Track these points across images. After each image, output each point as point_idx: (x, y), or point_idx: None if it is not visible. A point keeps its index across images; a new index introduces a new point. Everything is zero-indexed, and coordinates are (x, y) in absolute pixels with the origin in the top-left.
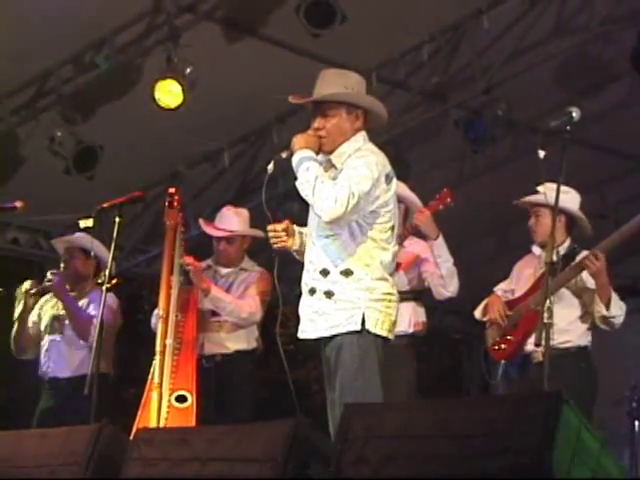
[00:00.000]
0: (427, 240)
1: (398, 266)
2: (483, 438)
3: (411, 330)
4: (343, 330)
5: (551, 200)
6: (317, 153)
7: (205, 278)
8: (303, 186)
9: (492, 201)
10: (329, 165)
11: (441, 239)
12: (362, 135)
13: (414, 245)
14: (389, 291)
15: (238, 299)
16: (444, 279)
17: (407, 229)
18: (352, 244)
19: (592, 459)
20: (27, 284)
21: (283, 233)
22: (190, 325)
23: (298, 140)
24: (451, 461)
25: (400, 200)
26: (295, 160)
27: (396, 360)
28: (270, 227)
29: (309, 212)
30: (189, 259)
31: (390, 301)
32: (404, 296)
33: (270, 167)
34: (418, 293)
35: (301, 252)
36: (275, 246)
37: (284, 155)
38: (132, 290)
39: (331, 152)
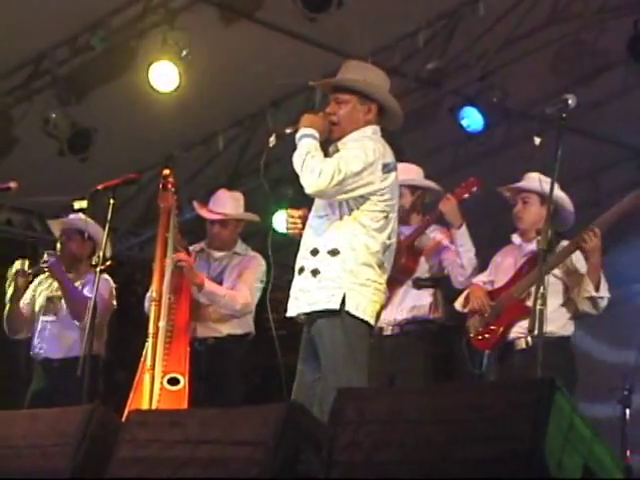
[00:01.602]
0: (450, 228)
1: (420, 253)
2: (475, 424)
3: (431, 317)
4: (320, 307)
5: (546, 188)
6: (322, 136)
7: (198, 274)
8: (295, 160)
9: (486, 188)
10: (335, 150)
11: (464, 228)
12: (372, 128)
13: (435, 233)
14: (375, 279)
15: (231, 289)
16: (464, 268)
17: (431, 216)
18: (341, 226)
19: (584, 446)
20: (17, 264)
21: (299, 220)
22: (183, 308)
23: (305, 119)
24: (443, 446)
25: (417, 188)
26: (297, 137)
27: (412, 345)
28: (289, 212)
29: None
30: (181, 255)
31: (376, 289)
32: (424, 283)
33: (272, 140)
34: (438, 280)
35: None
36: (290, 231)
37: (288, 130)
38: (125, 273)
39: (339, 139)
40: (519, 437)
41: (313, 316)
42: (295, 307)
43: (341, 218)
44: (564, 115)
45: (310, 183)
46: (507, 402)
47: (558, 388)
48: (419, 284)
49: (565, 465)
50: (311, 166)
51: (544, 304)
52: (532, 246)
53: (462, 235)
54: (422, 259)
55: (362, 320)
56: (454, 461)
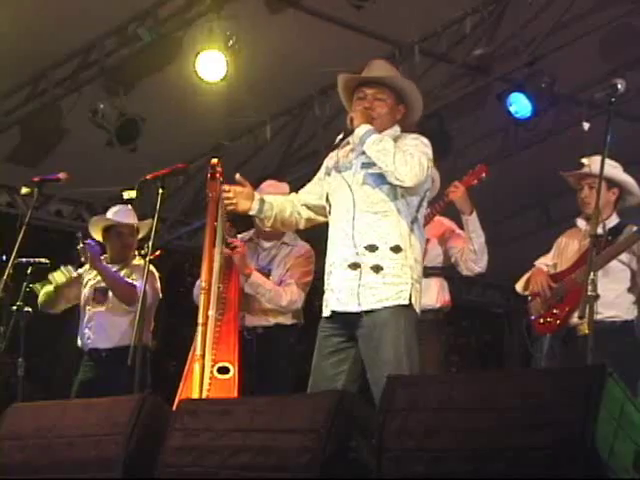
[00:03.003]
0: (461, 215)
1: (427, 241)
2: (526, 411)
3: (438, 305)
4: (391, 304)
5: (607, 172)
6: None
7: (248, 264)
8: (379, 154)
9: (534, 175)
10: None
11: (475, 214)
12: (398, 128)
13: (442, 221)
14: (420, 273)
15: (279, 284)
16: (477, 254)
17: (440, 205)
18: (401, 222)
19: (636, 432)
20: (59, 278)
21: (232, 194)
22: (232, 297)
23: (360, 115)
24: (493, 434)
25: None
26: (361, 132)
27: (423, 334)
28: (226, 187)
29: (343, 191)
30: (236, 241)
31: (421, 283)
32: (432, 271)
33: (340, 137)
34: (444, 269)
35: (264, 219)
36: (228, 207)
37: (340, 137)
38: (174, 263)
39: None
40: (569, 424)
41: (375, 311)
42: (357, 303)
43: (399, 214)
44: (613, 100)
45: (410, 176)
46: (557, 389)
47: (610, 374)
48: (427, 272)
49: (617, 451)
50: (404, 159)
51: (595, 290)
52: (599, 230)
53: (473, 222)
54: (429, 247)
55: (416, 313)
56: (504, 448)
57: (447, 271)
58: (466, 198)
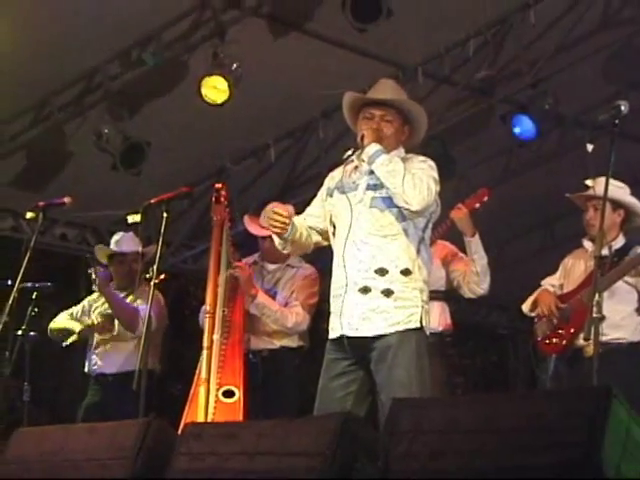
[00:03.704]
0: (464, 237)
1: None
2: (531, 433)
3: (440, 328)
4: (403, 328)
5: (612, 194)
6: None
7: (254, 284)
8: (388, 175)
9: (539, 196)
10: (359, 159)
11: (477, 236)
12: (403, 150)
13: (444, 244)
14: (428, 294)
15: (284, 306)
16: (479, 276)
17: (442, 228)
18: (410, 245)
19: None
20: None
21: (288, 220)
22: (237, 320)
23: (370, 134)
24: (499, 456)
25: None
26: (371, 151)
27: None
28: (274, 208)
29: (348, 212)
30: (239, 264)
31: (429, 304)
32: (434, 295)
33: (349, 152)
34: (446, 293)
35: (288, 242)
36: (273, 229)
37: (349, 153)
38: (179, 286)
39: None
40: (575, 445)
41: (386, 335)
42: (368, 328)
43: (407, 236)
44: (617, 121)
45: (418, 200)
46: (563, 410)
47: (615, 395)
48: (430, 296)
49: (623, 472)
50: (412, 182)
51: (600, 312)
52: (604, 252)
53: (475, 243)
54: (431, 271)
55: (427, 335)
56: (510, 470)
57: (448, 294)
58: (468, 220)
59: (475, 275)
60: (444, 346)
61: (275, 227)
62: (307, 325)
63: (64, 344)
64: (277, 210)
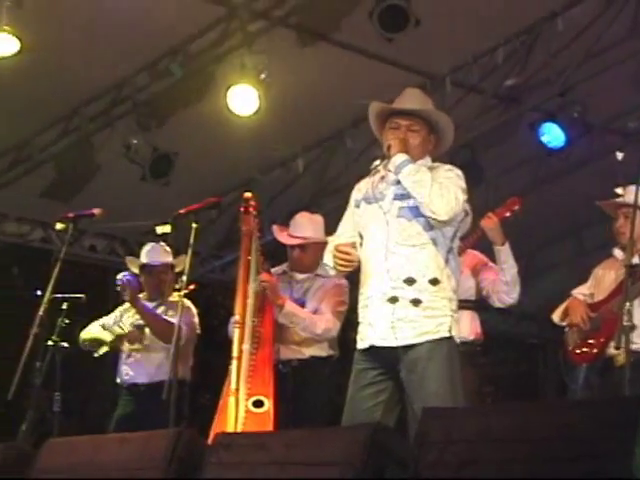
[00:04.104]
0: (493, 246)
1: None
2: (562, 442)
3: (471, 337)
4: (432, 337)
5: None
6: None
7: (280, 295)
8: (415, 185)
9: (567, 204)
10: (386, 168)
11: (507, 245)
12: (429, 159)
13: (473, 254)
14: (457, 303)
15: (313, 313)
16: (509, 285)
17: (472, 237)
18: (438, 254)
19: None
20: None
21: (353, 257)
22: (266, 330)
23: (398, 144)
24: (530, 465)
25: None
26: (398, 161)
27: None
28: (345, 248)
29: (375, 223)
30: (265, 276)
31: (457, 312)
32: (464, 304)
33: (376, 163)
34: (476, 302)
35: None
36: (339, 268)
37: (377, 162)
38: (207, 296)
39: None
40: (606, 455)
41: (416, 345)
42: (396, 338)
43: (436, 246)
44: None
45: (446, 210)
46: (594, 420)
47: None
48: (459, 305)
49: None
50: (440, 192)
51: (630, 320)
52: (635, 260)
53: (505, 252)
54: (460, 280)
55: (456, 344)
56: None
57: (478, 304)
58: (499, 229)
59: (505, 284)
60: (474, 355)
61: (343, 266)
62: (336, 332)
63: (96, 355)
64: (342, 249)
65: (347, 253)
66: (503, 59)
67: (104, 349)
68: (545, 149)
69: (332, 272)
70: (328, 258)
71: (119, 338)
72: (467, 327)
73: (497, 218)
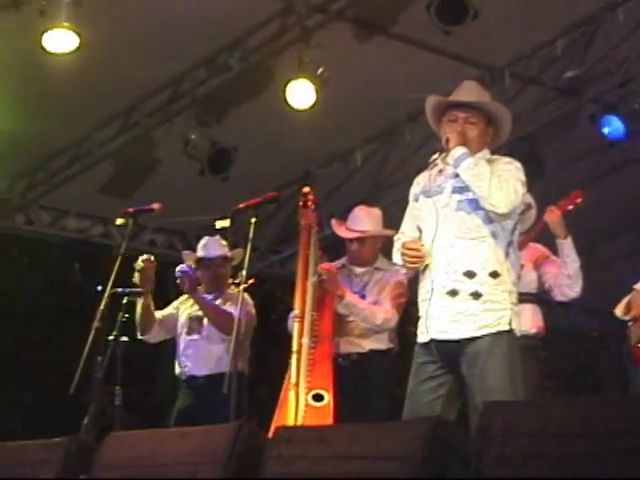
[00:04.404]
0: (556, 239)
1: (521, 267)
2: (627, 436)
3: (533, 331)
4: (493, 330)
5: None
6: None
7: (340, 285)
8: (474, 178)
9: (629, 197)
10: (444, 161)
11: (570, 239)
12: (488, 151)
13: (535, 247)
14: (517, 296)
15: (373, 304)
16: (571, 279)
17: (534, 230)
18: (498, 247)
19: None
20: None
21: (422, 254)
22: (326, 324)
23: (457, 137)
24: (594, 460)
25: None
26: (456, 154)
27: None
28: (414, 245)
29: (434, 216)
30: (325, 266)
31: (517, 305)
32: (526, 297)
33: (435, 156)
34: (538, 295)
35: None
36: (409, 265)
37: (435, 156)
38: (265, 290)
39: None
40: None
41: (476, 338)
42: (457, 331)
43: (496, 239)
44: None
45: (505, 203)
46: None
47: None
48: (520, 298)
49: None
50: (499, 185)
51: None
52: None
53: (568, 246)
54: (523, 273)
55: (517, 337)
56: (605, 475)
57: (540, 297)
58: (561, 222)
59: (567, 278)
60: (536, 349)
61: (413, 262)
62: (395, 323)
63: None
64: (411, 246)
65: (416, 249)
66: (563, 50)
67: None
68: (606, 141)
69: (403, 271)
70: (397, 257)
71: (169, 322)
72: (528, 320)
73: (560, 211)
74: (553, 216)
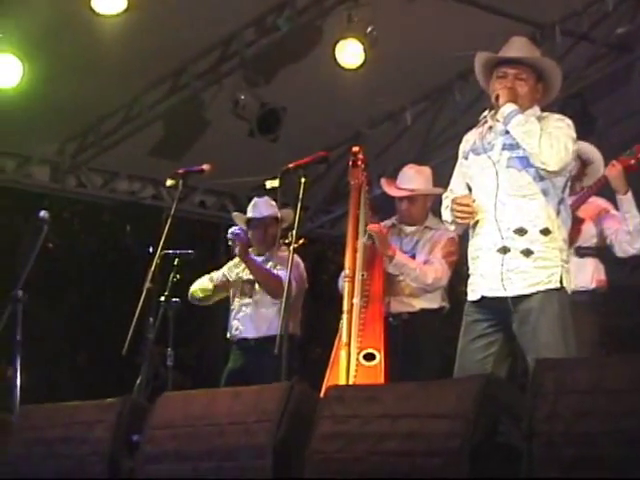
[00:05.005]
0: (616, 194)
1: (582, 221)
2: None
3: (593, 286)
4: (544, 288)
5: None
6: None
7: (390, 244)
8: (524, 135)
9: None
10: (494, 118)
11: (630, 194)
12: (538, 108)
13: (598, 201)
14: (568, 254)
15: (424, 263)
16: (632, 235)
17: (595, 184)
18: (549, 205)
19: None
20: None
21: (473, 209)
22: (376, 284)
23: (507, 93)
24: None
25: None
26: (506, 111)
27: (579, 316)
28: (464, 200)
29: (484, 173)
30: (374, 227)
31: (569, 264)
32: (586, 252)
33: (485, 114)
34: (600, 249)
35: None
36: (459, 220)
37: (485, 114)
38: (316, 251)
39: None
40: None
41: (527, 296)
42: (508, 289)
43: (547, 196)
44: None
45: (556, 160)
46: None
47: None
48: (581, 252)
49: None
50: (549, 142)
51: None
52: None
53: (628, 202)
54: (584, 227)
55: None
56: None
57: (601, 251)
58: (622, 177)
59: (627, 234)
60: (596, 304)
61: (464, 218)
62: (446, 282)
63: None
64: (462, 201)
65: (467, 205)
66: (614, 6)
67: (210, 298)
68: None
69: (452, 227)
70: (446, 214)
71: (224, 287)
72: (589, 275)
73: (621, 166)
74: (614, 171)
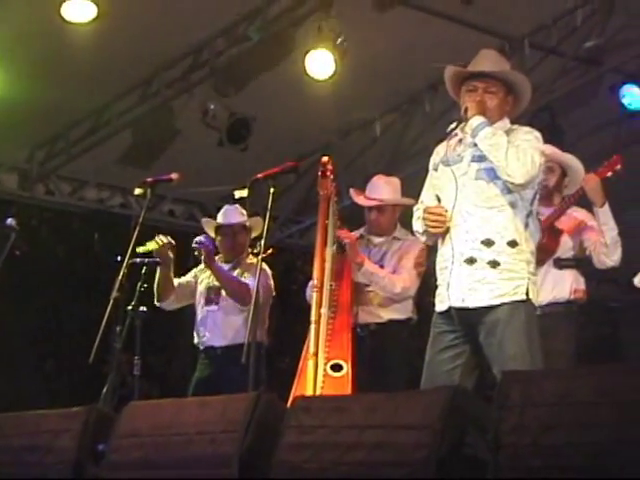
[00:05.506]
0: (593, 207)
1: (561, 233)
2: None
3: (572, 297)
4: (509, 300)
5: None
6: None
7: (360, 252)
8: (491, 148)
9: None
10: (463, 130)
11: (607, 207)
12: (508, 121)
13: (577, 213)
14: (535, 267)
15: (392, 273)
16: (608, 247)
17: (572, 196)
18: (516, 216)
19: None
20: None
21: (445, 218)
22: (345, 294)
23: (476, 106)
24: (614, 428)
25: (560, 166)
26: (474, 124)
27: (555, 327)
28: (437, 210)
29: (453, 185)
30: (344, 233)
31: (536, 275)
32: (566, 263)
33: (452, 126)
34: (579, 260)
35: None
36: (431, 230)
37: (453, 126)
38: (285, 261)
39: None
40: None
41: (493, 307)
42: (474, 299)
43: (515, 208)
44: None
45: (522, 173)
46: None
47: None
48: (560, 264)
49: None
50: (516, 155)
51: None
52: None
53: (605, 214)
54: (563, 239)
55: (534, 307)
56: (625, 443)
57: (581, 262)
58: (599, 189)
59: (604, 246)
60: (573, 315)
61: (435, 227)
62: (414, 291)
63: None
64: (434, 210)
65: (439, 214)
66: (582, 20)
67: (171, 292)
68: (626, 111)
69: (423, 238)
70: (417, 225)
71: (188, 287)
72: (567, 287)
73: (599, 178)
74: (591, 182)
